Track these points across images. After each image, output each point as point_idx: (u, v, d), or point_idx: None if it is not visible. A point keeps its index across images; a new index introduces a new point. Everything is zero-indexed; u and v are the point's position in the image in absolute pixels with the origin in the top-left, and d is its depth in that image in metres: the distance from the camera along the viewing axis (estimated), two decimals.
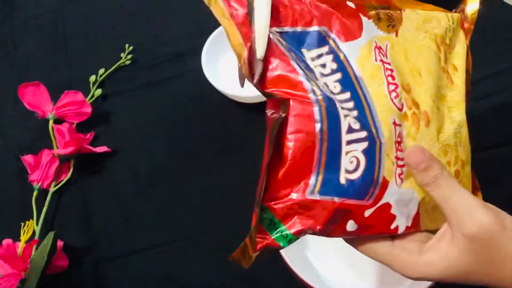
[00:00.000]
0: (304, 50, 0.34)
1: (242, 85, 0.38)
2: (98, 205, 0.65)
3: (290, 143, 0.33)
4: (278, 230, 0.34)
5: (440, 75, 0.41)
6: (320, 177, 0.33)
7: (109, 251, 0.62)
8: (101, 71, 0.74)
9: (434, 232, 0.37)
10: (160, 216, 0.63)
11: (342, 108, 0.34)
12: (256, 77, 0.33)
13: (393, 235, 0.37)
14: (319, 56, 0.35)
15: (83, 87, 0.72)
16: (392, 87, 0.36)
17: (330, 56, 0.35)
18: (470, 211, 0.33)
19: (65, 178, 0.66)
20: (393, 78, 0.36)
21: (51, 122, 0.68)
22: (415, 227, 0.37)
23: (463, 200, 0.34)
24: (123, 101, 0.72)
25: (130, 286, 0.60)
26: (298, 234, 0.34)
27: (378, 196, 0.35)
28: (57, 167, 0.66)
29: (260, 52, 0.33)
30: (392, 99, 0.36)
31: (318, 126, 0.33)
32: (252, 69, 0.33)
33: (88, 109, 0.69)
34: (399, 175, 0.36)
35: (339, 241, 0.58)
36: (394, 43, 0.38)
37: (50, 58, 0.77)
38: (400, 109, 0.36)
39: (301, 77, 0.33)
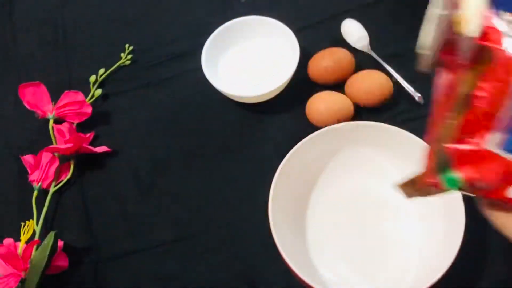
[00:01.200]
0: (501, 12, 0.34)
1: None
2: (98, 205, 0.65)
3: (485, 91, 0.32)
4: (449, 172, 0.34)
5: None
6: (505, 131, 0.33)
7: (109, 251, 0.62)
8: (101, 71, 0.74)
9: None
10: (160, 216, 0.63)
11: None
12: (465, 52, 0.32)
13: None
14: None
15: (83, 87, 0.72)
16: None
17: None
18: None
19: (65, 178, 0.66)
20: None
21: (51, 122, 0.68)
22: None
23: None
24: (123, 101, 0.72)
25: (130, 286, 0.60)
26: (470, 182, 0.34)
27: None
28: (57, 167, 0.66)
29: (475, 29, 0.32)
30: None
31: None
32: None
33: (88, 109, 0.69)
34: None
35: (339, 241, 0.58)
36: None
37: (50, 58, 0.77)
38: None
39: (503, 34, 0.33)
